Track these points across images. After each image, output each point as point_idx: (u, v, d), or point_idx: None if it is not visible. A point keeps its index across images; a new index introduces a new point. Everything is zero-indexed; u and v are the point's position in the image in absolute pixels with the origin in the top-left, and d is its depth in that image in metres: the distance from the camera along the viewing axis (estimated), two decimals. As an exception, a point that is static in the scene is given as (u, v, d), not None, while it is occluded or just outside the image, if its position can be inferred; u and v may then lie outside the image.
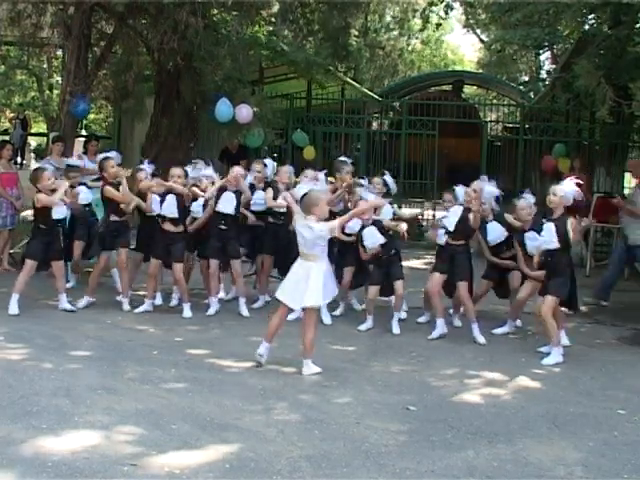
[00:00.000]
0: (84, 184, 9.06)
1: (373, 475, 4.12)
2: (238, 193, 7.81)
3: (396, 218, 7.85)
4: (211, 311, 7.78)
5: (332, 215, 6.70)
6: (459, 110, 18.28)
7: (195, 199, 7.91)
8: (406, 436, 4.70)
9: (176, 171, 7.86)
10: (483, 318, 7.61)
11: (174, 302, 8.12)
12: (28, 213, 9.47)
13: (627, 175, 13.97)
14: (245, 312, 7.81)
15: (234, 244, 7.88)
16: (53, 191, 7.48)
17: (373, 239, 7.32)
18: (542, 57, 26.24)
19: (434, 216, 12.92)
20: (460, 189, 7.55)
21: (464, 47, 44.05)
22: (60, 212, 7.54)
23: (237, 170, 7.95)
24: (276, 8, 12.40)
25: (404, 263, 8.03)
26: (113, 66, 12.26)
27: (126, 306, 7.81)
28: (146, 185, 7.89)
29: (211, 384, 5.53)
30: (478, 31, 31.05)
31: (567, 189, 6.73)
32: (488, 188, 7.46)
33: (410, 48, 36.14)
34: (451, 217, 7.34)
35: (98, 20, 11.75)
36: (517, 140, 15.07)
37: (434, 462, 4.32)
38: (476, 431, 4.83)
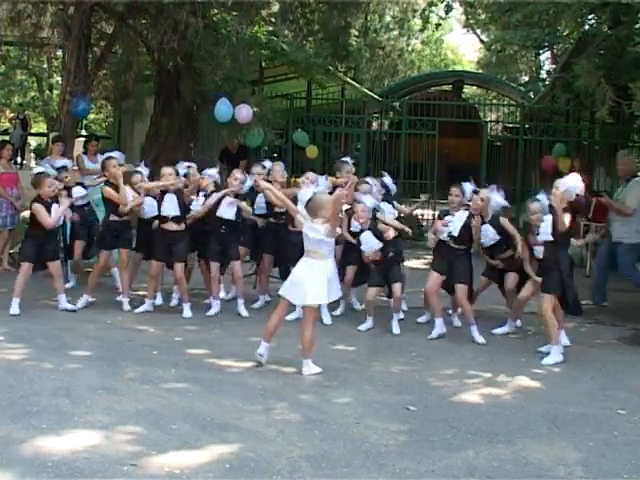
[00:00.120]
0: (81, 184, 9.08)
1: (373, 475, 4.12)
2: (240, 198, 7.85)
3: (398, 215, 7.87)
4: (211, 312, 7.79)
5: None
6: (459, 110, 18.29)
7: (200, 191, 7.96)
8: (406, 436, 4.70)
9: (167, 170, 7.87)
10: (482, 318, 7.61)
11: (174, 302, 8.12)
12: (28, 213, 9.46)
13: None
14: (244, 312, 7.81)
15: (234, 247, 7.89)
16: (53, 198, 7.51)
17: (370, 243, 7.33)
18: (542, 57, 26.28)
19: (434, 216, 12.90)
20: (468, 185, 7.54)
21: (464, 47, 44.13)
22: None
23: (237, 175, 7.89)
24: (276, 8, 12.39)
25: (404, 263, 8.05)
26: (113, 66, 12.26)
27: (126, 306, 7.81)
28: (150, 186, 7.86)
29: (211, 384, 5.53)
30: (478, 31, 31.06)
31: (570, 183, 6.72)
32: (496, 199, 7.43)
33: (410, 48, 36.15)
34: (456, 222, 7.30)
35: (98, 20, 11.74)
36: (517, 140, 15.07)
37: (434, 462, 4.32)
38: (476, 431, 4.83)
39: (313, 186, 7.62)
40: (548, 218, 6.72)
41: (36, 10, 11.34)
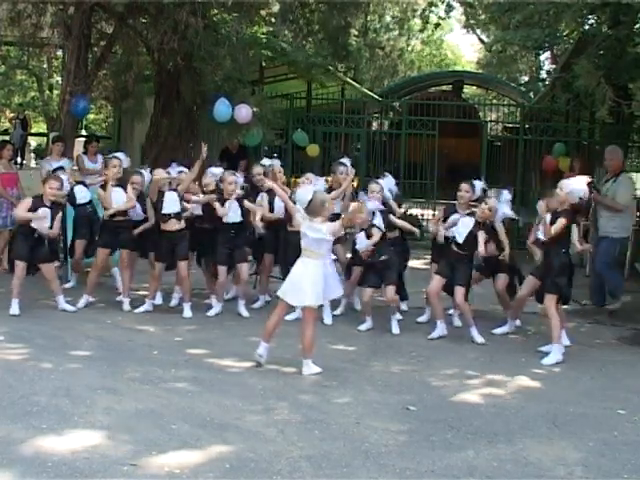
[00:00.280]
0: (82, 183, 9.09)
1: (373, 475, 4.12)
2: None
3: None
4: (211, 312, 7.79)
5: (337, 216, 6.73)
6: (459, 110, 18.27)
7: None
8: (406, 436, 4.70)
9: (158, 171, 7.89)
10: (483, 318, 7.62)
11: (174, 302, 8.12)
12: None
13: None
14: (244, 313, 7.82)
15: (242, 250, 7.92)
16: (52, 202, 7.52)
17: (365, 243, 7.37)
18: (542, 57, 26.23)
19: (434, 216, 12.87)
20: (478, 182, 7.52)
21: (464, 47, 44.15)
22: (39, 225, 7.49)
23: (229, 179, 7.89)
24: (276, 8, 12.40)
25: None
26: (113, 66, 12.25)
27: (126, 306, 7.81)
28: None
29: (211, 384, 5.53)
30: (478, 31, 31.05)
31: (575, 186, 6.71)
32: (503, 209, 7.42)
33: (410, 48, 36.17)
34: (462, 228, 7.27)
35: (98, 20, 11.73)
36: (517, 140, 15.05)
37: (434, 462, 4.32)
38: (476, 431, 4.83)
39: (312, 186, 7.64)
40: (548, 217, 6.73)
41: (36, 10, 11.33)
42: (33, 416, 4.69)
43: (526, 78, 29.75)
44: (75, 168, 10.37)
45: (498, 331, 7.50)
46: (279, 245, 8.08)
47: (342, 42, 15.01)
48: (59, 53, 15.12)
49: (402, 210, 9.50)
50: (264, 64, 14.88)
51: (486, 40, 29.06)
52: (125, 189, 7.88)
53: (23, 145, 18.28)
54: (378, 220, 7.42)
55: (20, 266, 7.44)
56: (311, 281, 5.84)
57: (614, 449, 4.64)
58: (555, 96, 15.66)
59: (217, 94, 10.82)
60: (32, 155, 21.39)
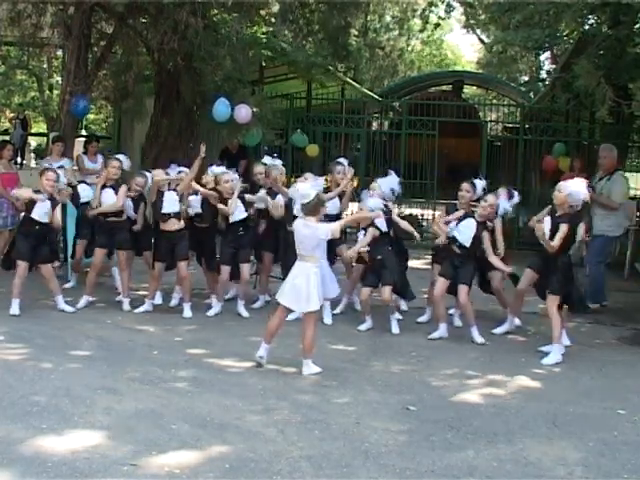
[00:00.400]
0: (84, 182, 9.10)
1: (373, 475, 4.13)
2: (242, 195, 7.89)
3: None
4: (211, 312, 7.79)
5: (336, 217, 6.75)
6: (459, 110, 18.29)
7: (196, 193, 7.95)
8: (406, 436, 4.70)
9: (156, 171, 7.92)
10: (483, 318, 7.61)
11: (174, 302, 8.12)
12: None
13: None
14: (244, 313, 7.81)
15: (246, 250, 7.92)
16: (49, 195, 7.53)
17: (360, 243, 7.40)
18: (542, 57, 26.23)
19: (434, 216, 12.88)
20: (479, 182, 7.51)
21: (464, 47, 44.17)
22: (38, 213, 7.50)
23: (225, 178, 7.89)
24: (276, 8, 12.39)
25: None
26: (113, 66, 12.25)
27: (126, 306, 7.81)
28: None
29: (211, 384, 5.53)
30: (478, 31, 31.07)
31: (574, 188, 6.69)
32: (503, 205, 7.43)
33: (410, 48, 36.19)
34: (466, 231, 7.22)
35: (98, 20, 11.73)
36: (517, 140, 15.06)
37: (434, 462, 4.32)
38: (476, 431, 4.83)
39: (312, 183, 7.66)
40: (548, 220, 6.70)
41: (36, 10, 11.32)
42: (33, 416, 4.69)
43: (526, 78, 29.76)
44: (75, 168, 10.37)
45: (498, 330, 7.48)
46: (279, 245, 8.09)
47: (342, 42, 14.98)
48: (59, 53, 15.12)
49: (397, 210, 9.51)
50: (264, 64, 14.88)
51: (486, 40, 29.08)
52: (117, 191, 7.88)
53: (23, 145, 18.29)
54: (380, 220, 7.42)
55: (22, 266, 7.43)
56: (312, 287, 5.87)
57: (614, 449, 4.64)
58: (555, 96, 15.66)
59: (217, 94, 10.81)
60: (32, 155, 21.41)
